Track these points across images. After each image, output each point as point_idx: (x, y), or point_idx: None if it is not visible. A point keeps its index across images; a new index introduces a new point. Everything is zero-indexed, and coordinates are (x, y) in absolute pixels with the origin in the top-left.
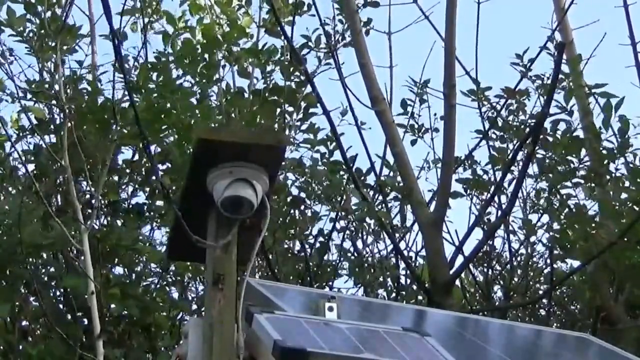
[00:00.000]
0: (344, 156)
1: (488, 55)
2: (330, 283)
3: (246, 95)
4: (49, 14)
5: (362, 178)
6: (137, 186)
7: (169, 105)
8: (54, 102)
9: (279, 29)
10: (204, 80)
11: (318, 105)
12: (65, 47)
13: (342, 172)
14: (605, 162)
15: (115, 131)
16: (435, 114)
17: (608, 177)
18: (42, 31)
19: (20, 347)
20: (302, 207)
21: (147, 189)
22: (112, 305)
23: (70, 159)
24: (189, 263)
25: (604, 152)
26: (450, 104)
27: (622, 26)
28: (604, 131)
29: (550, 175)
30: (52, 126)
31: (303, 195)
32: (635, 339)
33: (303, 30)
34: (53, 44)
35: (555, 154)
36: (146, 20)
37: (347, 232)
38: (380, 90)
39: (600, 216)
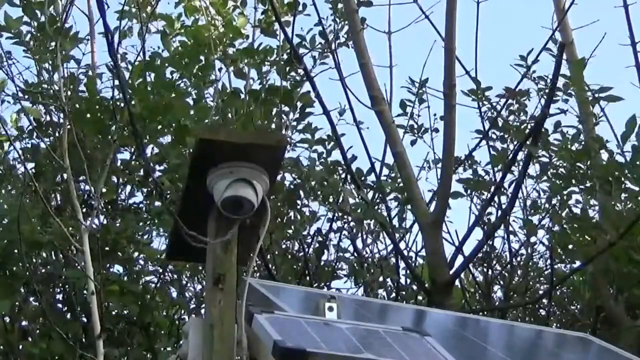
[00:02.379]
0: (344, 156)
1: (488, 55)
2: (329, 283)
3: (242, 95)
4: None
5: (362, 178)
6: (135, 186)
7: (164, 104)
8: (52, 101)
9: (274, 28)
10: (200, 82)
11: (315, 105)
12: (63, 53)
13: (341, 173)
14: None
15: (114, 131)
16: (435, 114)
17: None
18: (39, 34)
19: (20, 347)
20: (298, 205)
21: (145, 190)
22: (111, 304)
23: (70, 159)
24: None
25: (615, 163)
26: (450, 104)
27: (622, 26)
28: (620, 144)
29: (551, 175)
30: (50, 128)
31: (299, 192)
32: (635, 339)
33: (298, 31)
34: (51, 47)
35: (562, 158)
36: (143, 20)
37: (346, 232)
38: (380, 90)
39: (601, 218)
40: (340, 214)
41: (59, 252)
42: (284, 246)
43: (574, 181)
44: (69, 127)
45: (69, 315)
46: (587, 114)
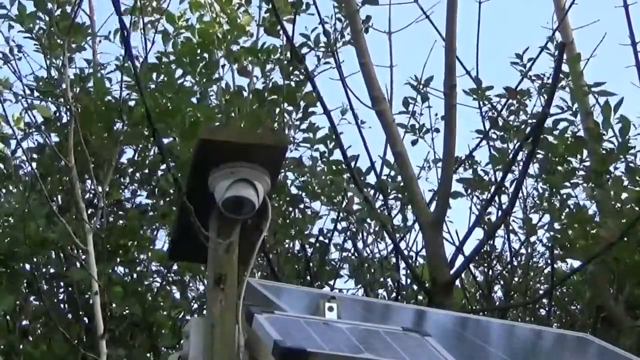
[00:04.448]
0: (344, 155)
1: (489, 55)
2: (331, 283)
3: (245, 94)
4: (58, 11)
5: (363, 178)
6: (139, 185)
7: (170, 105)
8: (61, 100)
9: (278, 27)
10: (204, 80)
11: (318, 104)
12: (74, 46)
13: (345, 172)
14: (606, 163)
15: (120, 131)
16: (436, 114)
17: (608, 176)
18: (52, 28)
19: (21, 346)
20: (302, 206)
21: (150, 188)
22: (114, 305)
23: (76, 158)
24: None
25: (605, 152)
26: (450, 104)
27: (622, 26)
28: (604, 132)
29: (552, 172)
30: (56, 125)
31: (302, 193)
32: (635, 339)
33: (302, 30)
34: (61, 42)
35: (555, 154)
36: (146, 19)
37: (348, 232)
38: (381, 90)
39: (600, 216)
40: (345, 214)
41: (61, 252)
42: (286, 246)
43: (568, 176)
44: (75, 125)
45: (70, 316)
46: (585, 112)
